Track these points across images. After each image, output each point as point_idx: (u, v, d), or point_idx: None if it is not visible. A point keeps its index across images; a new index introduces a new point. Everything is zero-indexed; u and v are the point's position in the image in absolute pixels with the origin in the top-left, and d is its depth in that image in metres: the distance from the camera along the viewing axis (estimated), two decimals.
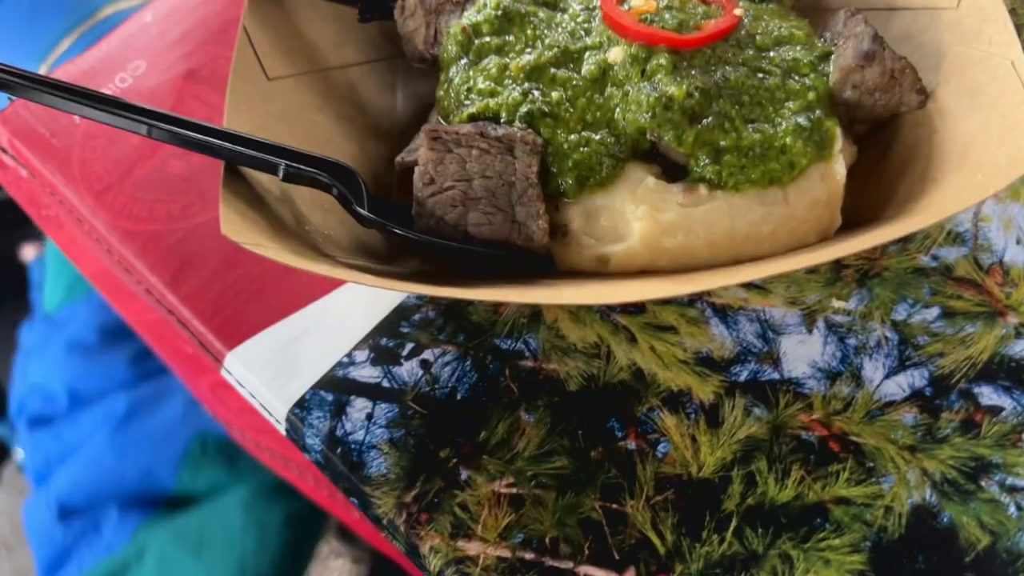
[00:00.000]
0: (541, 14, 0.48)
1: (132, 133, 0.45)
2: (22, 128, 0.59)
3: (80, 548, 0.82)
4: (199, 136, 0.44)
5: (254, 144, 0.44)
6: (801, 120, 0.45)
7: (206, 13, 0.61)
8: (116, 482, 0.84)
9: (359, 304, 0.50)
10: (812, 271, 0.49)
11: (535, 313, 0.50)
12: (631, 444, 0.46)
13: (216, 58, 0.59)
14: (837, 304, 0.48)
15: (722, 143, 0.44)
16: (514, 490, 0.45)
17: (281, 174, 0.44)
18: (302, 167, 0.44)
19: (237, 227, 0.41)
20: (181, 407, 0.87)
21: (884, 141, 0.49)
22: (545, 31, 0.47)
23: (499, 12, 0.47)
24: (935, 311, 0.48)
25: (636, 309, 0.49)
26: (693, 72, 0.45)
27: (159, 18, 0.62)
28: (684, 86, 0.44)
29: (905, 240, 0.49)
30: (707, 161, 0.44)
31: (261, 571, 0.76)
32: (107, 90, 0.60)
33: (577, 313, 0.49)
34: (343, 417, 0.48)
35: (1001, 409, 0.46)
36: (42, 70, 0.95)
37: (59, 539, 0.83)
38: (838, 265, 0.49)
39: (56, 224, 0.64)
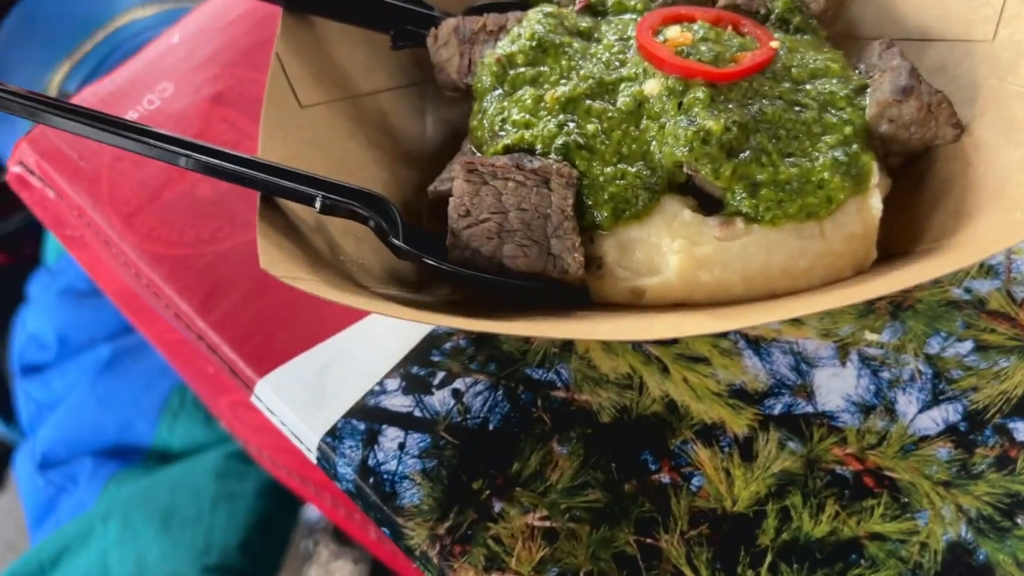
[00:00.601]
0: (576, 44, 0.48)
1: (167, 162, 0.45)
2: (49, 149, 0.59)
3: (60, 502, 0.81)
4: (235, 167, 0.44)
5: (290, 175, 0.44)
6: (838, 154, 0.44)
7: (233, 35, 0.61)
8: (95, 433, 0.83)
9: (390, 332, 0.50)
10: None
11: (567, 343, 0.50)
12: (665, 477, 0.46)
13: (243, 81, 0.59)
14: (870, 337, 0.48)
15: (759, 177, 0.44)
16: (548, 523, 0.45)
17: (318, 206, 0.44)
18: (339, 198, 0.44)
19: (275, 260, 0.41)
20: (163, 361, 0.85)
21: (918, 173, 0.49)
22: (580, 62, 0.47)
23: (534, 43, 0.47)
24: (969, 345, 0.48)
25: (669, 340, 0.49)
26: (730, 106, 0.44)
27: (186, 39, 0.62)
28: (722, 120, 0.43)
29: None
30: (744, 195, 0.44)
31: (227, 549, 0.75)
32: (135, 112, 0.60)
33: (609, 343, 0.49)
34: (375, 446, 0.48)
35: None
36: (57, 78, 0.95)
37: (41, 491, 0.82)
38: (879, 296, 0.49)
39: (80, 244, 0.64)
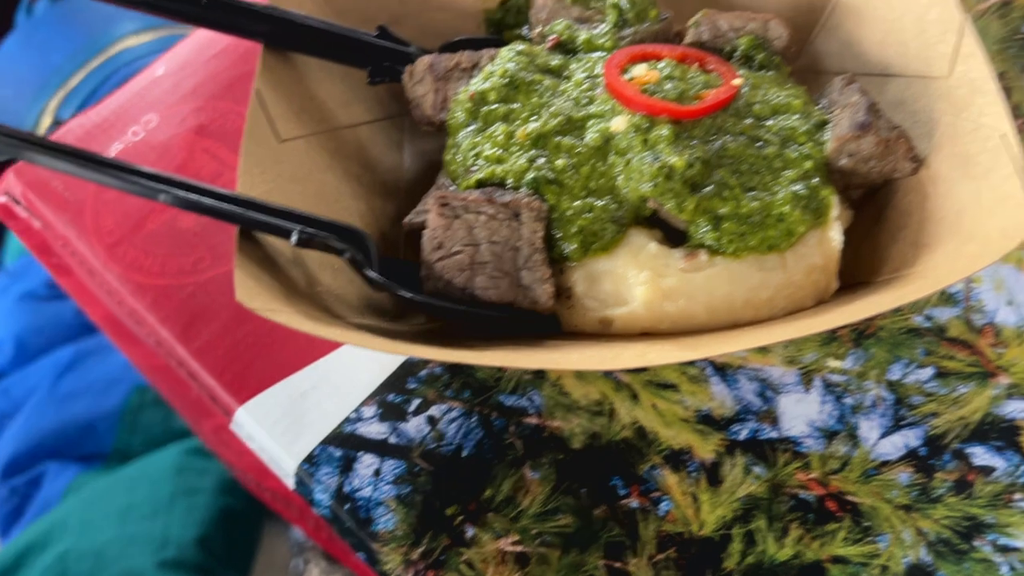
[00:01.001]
0: (546, 82, 0.50)
1: (146, 198, 0.46)
2: (35, 180, 0.60)
3: (27, 508, 0.80)
4: (212, 202, 0.45)
5: (267, 210, 0.45)
6: (798, 188, 0.46)
7: (217, 68, 0.63)
8: (57, 437, 0.82)
9: (367, 360, 0.51)
10: None
11: (539, 370, 0.51)
12: (634, 502, 0.47)
13: (226, 113, 0.61)
14: (834, 364, 0.50)
15: (722, 211, 0.45)
16: (519, 548, 0.46)
17: (294, 239, 0.45)
18: (314, 232, 0.45)
19: (252, 292, 0.42)
20: (123, 361, 0.84)
21: (879, 205, 0.51)
22: (550, 99, 0.49)
23: (505, 80, 0.49)
24: (929, 371, 0.49)
25: (637, 368, 0.50)
26: (694, 142, 0.46)
27: (171, 72, 0.64)
28: (685, 156, 0.45)
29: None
30: (707, 228, 0.45)
31: (184, 544, 0.73)
32: (120, 143, 0.61)
33: (582, 371, 0.51)
34: (351, 473, 0.49)
35: (993, 469, 0.47)
36: (52, 104, 0.96)
37: (6, 502, 0.81)
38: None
39: (66, 271, 0.65)
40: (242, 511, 0.79)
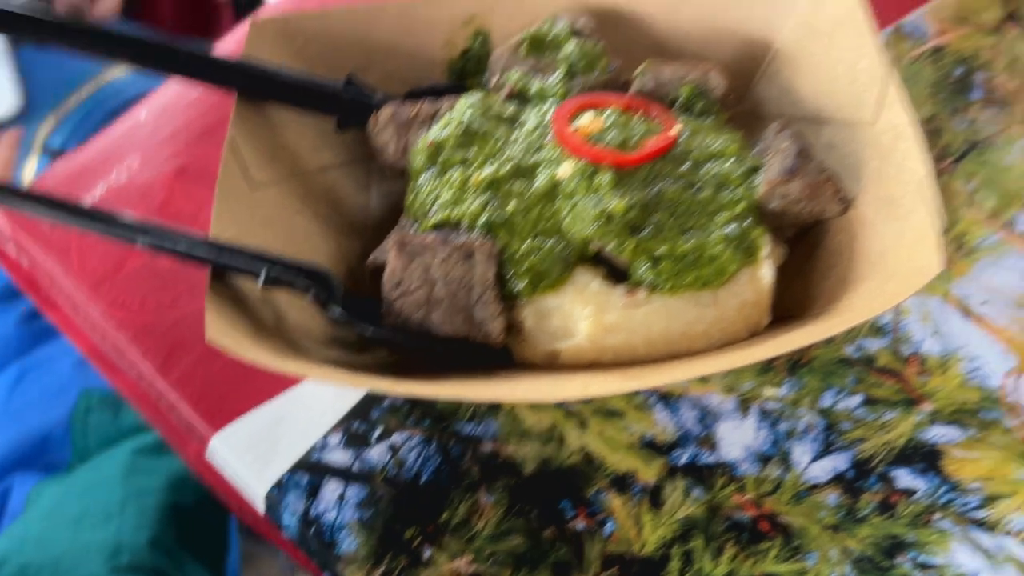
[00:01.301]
0: (500, 130, 0.53)
1: (125, 243, 0.49)
2: (24, 220, 0.63)
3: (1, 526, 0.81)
4: (185, 246, 0.48)
5: (236, 252, 0.49)
6: (731, 229, 0.49)
7: (196, 113, 0.66)
8: (18, 451, 0.82)
9: (334, 390, 0.55)
10: None
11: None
12: (581, 524, 0.50)
13: (203, 157, 0.64)
14: (770, 392, 0.53)
15: (659, 251, 0.49)
16: (473, 567, 0.49)
17: (262, 280, 0.48)
18: (280, 272, 0.49)
19: (221, 330, 0.46)
20: (70, 367, 0.85)
21: (811, 243, 0.54)
22: (504, 146, 0.52)
23: (461, 129, 0.53)
24: (858, 399, 0.53)
25: (591, 397, 0.54)
26: (634, 187, 0.50)
27: (153, 116, 0.67)
28: (625, 201, 0.49)
29: (842, 333, 0.54)
30: (646, 267, 0.49)
31: (137, 548, 0.74)
32: (104, 184, 0.65)
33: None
34: (317, 498, 0.52)
35: (915, 491, 0.50)
36: (43, 132, 0.99)
37: None
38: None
39: (53, 306, 0.68)
40: (195, 506, 0.79)
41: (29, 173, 0.97)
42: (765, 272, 0.50)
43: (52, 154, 0.97)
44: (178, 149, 0.64)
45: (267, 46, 0.59)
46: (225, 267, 0.49)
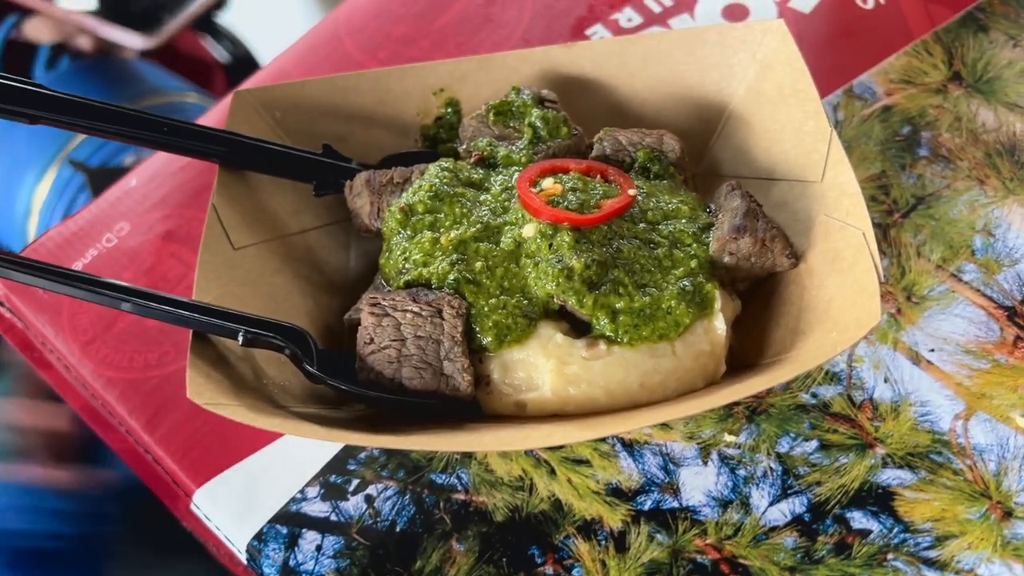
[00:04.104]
0: (468, 194, 0.56)
1: (111, 307, 0.52)
2: (18, 284, 0.66)
3: None
4: (169, 310, 0.51)
5: (216, 314, 0.52)
6: (685, 284, 0.52)
7: (184, 178, 0.70)
8: None
9: (312, 444, 0.57)
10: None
11: (464, 451, 0.56)
12: (549, 570, 0.52)
13: (191, 220, 0.67)
14: (729, 438, 0.55)
15: (617, 305, 0.51)
16: None
17: (241, 340, 0.51)
18: (258, 332, 0.52)
19: (201, 389, 0.48)
20: None
21: (765, 296, 0.57)
22: (471, 208, 0.56)
23: (431, 194, 0.56)
24: (814, 444, 0.55)
25: (556, 445, 0.56)
26: (592, 245, 0.53)
27: (143, 182, 0.70)
28: (583, 259, 0.51)
29: (787, 381, 0.57)
30: (606, 321, 0.51)
31: None
32: (95, 249, 0.68)
33: (497, 452, 0.56)
34: (296, 548, 0.54)
35: (870, 532, 0.52)
36: (63, 153, 0.99)
37: None
38: (730, 404, 0.56)
39: (46, 365, 0.71)
40: None
41: (44, 188, 0.98)
42: (719, 323, 0.53)
43: (75, 166, 0.98)
44: (167, 213, 0.68)
45: (249, 115, 0.62)
46: (206, 328, 0.51)
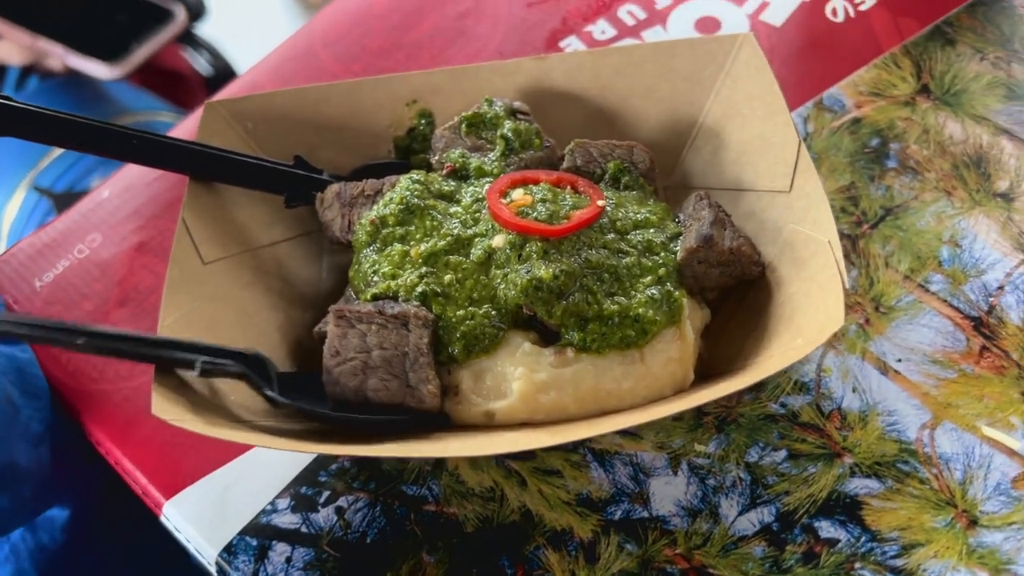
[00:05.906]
0: (439, 206, 0.57)
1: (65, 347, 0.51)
2: None
3: None
4: (123, 346, 0.50)
5: (171, 345, 0.50)
6: (653, 292, 0.53)
7: (157, 189, 0.69)
8: None
9: (282, 456, 0.57)
10: (677, 418, 0.56)
11: (439, 461, 0.56)
12: None
13: (163, 231, 0.67)
14: (699, 448, 0.55)
15: (586, 313, 0.52)
16: None
17: (197, 371, 0.50)
18: (214, 361, 0.50)
19: (165, 406, 0.48)
20: None
21: (734, 304, 0.57)
22: (442, 221, 0.56)
23: (402, 207, 0.56)
24: (783, 453, 0.55)
25: (527, 456, 0.56)
26: (561, 255, 0.53)
27: (115, 194, 0.70)
28: (552, 269, 0.52)
29: (757, 389, 0.57)
30: (574, 329, 0.52)
31: None
32: (67, 260, 0.67)
33: (475, 460, 0.56)
34: (266, 561, 0.54)
35: (837, 541, 0.52)
36: (31, 174, 0.99)
37: None
38: (700, 412, 0.56)
39: None
40: None
41: (13, 210, 0.97)
42: (687, 331, 0.53)
43: (41, 192, 0.98)
44: (140, 224, 0.67)
45: (221, 127, 0.62)
46: (162, 361, 0.51)
